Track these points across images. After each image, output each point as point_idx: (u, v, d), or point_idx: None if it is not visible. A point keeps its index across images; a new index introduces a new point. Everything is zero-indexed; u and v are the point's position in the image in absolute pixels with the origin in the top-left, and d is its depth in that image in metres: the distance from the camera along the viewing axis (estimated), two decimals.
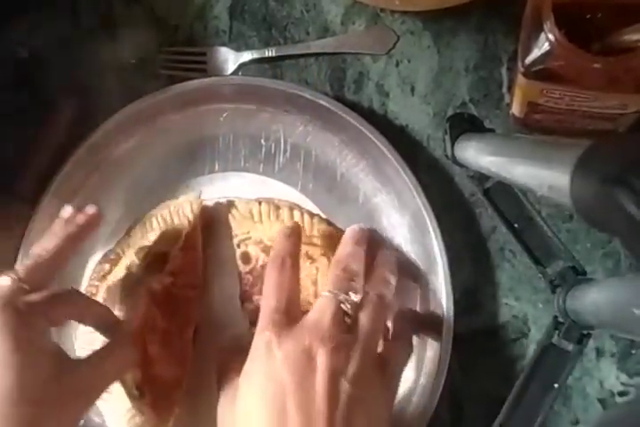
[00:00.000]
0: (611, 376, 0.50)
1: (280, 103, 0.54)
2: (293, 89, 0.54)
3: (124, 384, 0.48)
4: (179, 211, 0.53)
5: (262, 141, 0.55)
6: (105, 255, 0.55)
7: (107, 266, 0.54)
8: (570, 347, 0.47)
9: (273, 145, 0.55)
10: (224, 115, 0.56)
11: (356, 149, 0.54)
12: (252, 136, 0.56)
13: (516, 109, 0.50)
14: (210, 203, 0.55)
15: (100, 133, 0.56)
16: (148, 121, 0.56)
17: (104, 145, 0.56)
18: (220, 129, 0.56)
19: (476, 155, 0.45)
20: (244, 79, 0.55)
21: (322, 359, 0.39)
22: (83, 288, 0.55)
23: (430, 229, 0.50)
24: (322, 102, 0.53)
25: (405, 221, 0.52)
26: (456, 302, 0.49)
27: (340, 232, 0.50)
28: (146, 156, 0.56)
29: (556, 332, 0.47)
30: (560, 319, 0.47)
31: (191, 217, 0.53)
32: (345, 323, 0.42)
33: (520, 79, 0.45)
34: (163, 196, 0.55)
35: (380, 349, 0.44)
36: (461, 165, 0.50)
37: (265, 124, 0.55)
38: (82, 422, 0.52)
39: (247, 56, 0.57)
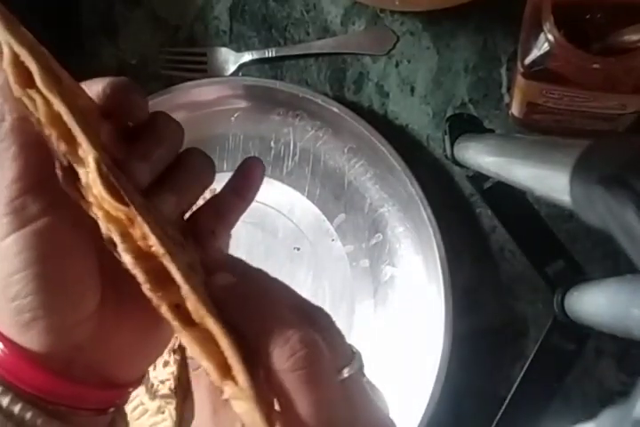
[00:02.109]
0: (610, 376, 0.50)
1: (292, 107, 0.55)
2: (305, 94, 0.54)
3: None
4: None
5: (272, 144, 0.55)
6: None
7: None
8: (569, 347, 0.47)
9: (282, 148, 0.55)
10: (235, 115, 0.56)
11: (365, 157, 0.54)
12: (262, 138, 0.56)
13: (515, 110, 0.50)
14: None
15: None
16: None
17: None
18: (230, 129, 0.56)
19: (476, 155, 0.45)
20: (256, 81, 0.55)
21: None
22: None
23: (435, 243, 0.50)
24: (334, 109, 0.53)
25: (410, 234, 0.52)
26: (456, 302, 0.49)
27: None
28: None
29: (556, 332, 0.47)
30: (559, 319, 0.47)
31: None
32: None
33: (519, 79, 0.45)
34: None
35: None
36: (461, 166, 0.50)
37: (276, 126, 0.55)
38: None
39: (247, 56, 0.57)
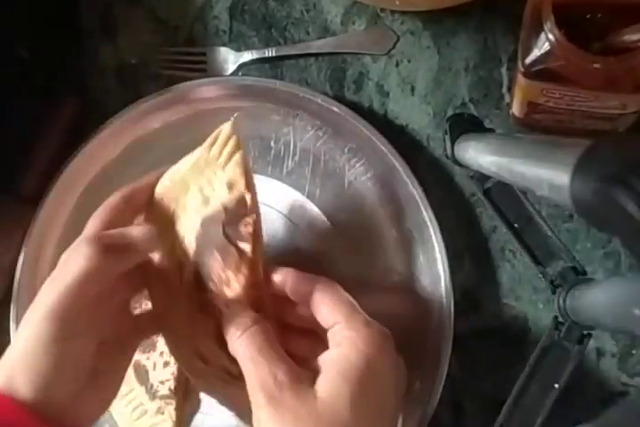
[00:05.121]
0: (611, 377, 0.50)
1: (292, 107, 0.54)
2: (305, 93, 0.54)
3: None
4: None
5: (272, 144, 0.55)
6: None
7: None
8: (570, 347, 0.47)
9: (282, 148, 0.55)
10: (235, 114, 0.56)
11: (365, 157, 0.54)
12: (262, 138, 0.55)
13: (516, 109, 0.50)
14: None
15: (102, 134, 0.56)
16: (152, 120, 0.56)
17: (105, 145, 0.56)
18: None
19: (476, 155, 0.45)
20: (256, 80, 0.55)
21: None
22: None
23: (435, 243, 0.50)
24: (334, 109, 0.53)
25: (410, 235, 0.52)
26: (456, 302, 0.49)
27: None
28: (150, 154, 0.56)
29: (557, 332, 0.47)
30: (560, 319, 0.47)
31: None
32: None
33: (520, 79, 0.45)
34: None
35: None
36: (461, 165, 0.50)
37: (276, 126, 0.55)
38: None
39: (247, 56, 0.57)
